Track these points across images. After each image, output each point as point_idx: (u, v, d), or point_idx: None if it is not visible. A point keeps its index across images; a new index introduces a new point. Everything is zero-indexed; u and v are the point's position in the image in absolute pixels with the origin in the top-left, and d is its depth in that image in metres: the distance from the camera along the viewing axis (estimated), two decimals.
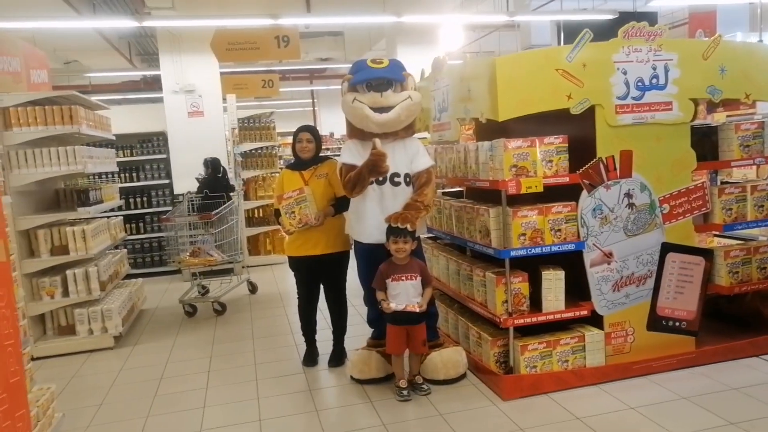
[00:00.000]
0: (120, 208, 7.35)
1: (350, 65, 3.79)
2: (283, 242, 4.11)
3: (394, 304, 3.39)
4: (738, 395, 3.22)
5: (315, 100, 19.79)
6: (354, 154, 3.67)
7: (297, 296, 4.23)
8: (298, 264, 4.12)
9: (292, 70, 15.35)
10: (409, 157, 3.67)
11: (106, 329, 4.80)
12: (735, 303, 4.09)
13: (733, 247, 3.83)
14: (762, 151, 3.81)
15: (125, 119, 7.95)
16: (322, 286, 4.18)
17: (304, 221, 3.90)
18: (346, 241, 4.08)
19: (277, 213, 4.05)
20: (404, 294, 3.44)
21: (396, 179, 3.62)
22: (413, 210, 3.53)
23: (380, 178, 3.60)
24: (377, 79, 3.58)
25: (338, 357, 4.14)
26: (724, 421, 2.94)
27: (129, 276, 6.12)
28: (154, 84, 13.52)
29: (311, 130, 4.09)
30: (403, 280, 3.45)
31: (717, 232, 4.77)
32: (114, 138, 6.15)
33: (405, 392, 3.45)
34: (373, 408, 3.38)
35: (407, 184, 3.65)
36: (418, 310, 3.40)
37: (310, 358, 4.18)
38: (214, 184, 6.66)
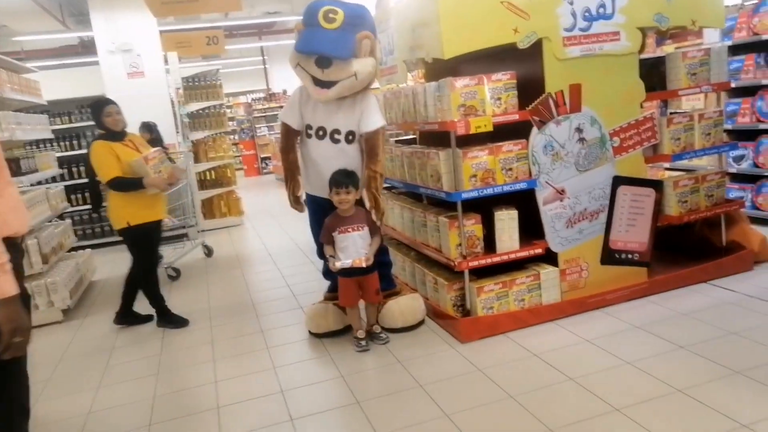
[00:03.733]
0: (62, 178, 7.04)
1: (299, 18, 3.45)
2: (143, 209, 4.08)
3: (340, 263, 3.29)
4: (688, 320, 3.29)
5: (265, 58, 19.13)
6: (294, 111, 3.50)
7: (144, 270, 4.20)
8: (149, 230, 4.08)
9: (238, 26, 14.72)
10: (357, 114, 3.40)
11: (53, 303, 4.60)
12: (684, 232, 4.15)
13: (681, 177, 3.85)
14: (708, 78, 3.80)
15: (60, 84, 7.51)
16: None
17: (176, 177, 4.13)
18: None
19: (118, 182, 3.89)
20: (352, 246, 3.34)
21: (336, 136, 3.41)
22: (374, 187, 3.40)
23: (320, 132, 3.44)
24: (319, 55, 3.24)
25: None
26: (674, 345, 3.00)
27: (77, 248, 5.89)
28: (92, 47, 12.79)
29: (116, 102, 4.11)
30: (349, 231, 3.35)
31: (667, 165, 4.83)
32: (46, 103, 5.80)
33: (363, 342, 3.41)
34: (331, 360, 3.33)
35: (348, 142, 3.42)
36: (364, 265, 3.30)
37: (181, 319, 4.25)
38: (160, 146, 6.37)
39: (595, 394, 2.63)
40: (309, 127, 3.46)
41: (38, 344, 4.26)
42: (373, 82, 3.50)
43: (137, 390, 3.29)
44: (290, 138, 3.56)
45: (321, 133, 3.44)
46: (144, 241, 4.10)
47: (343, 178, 3.31)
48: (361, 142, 3.45)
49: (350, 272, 3.36)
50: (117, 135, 4.03)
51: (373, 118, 3.41)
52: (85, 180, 7.47)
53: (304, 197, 3.69)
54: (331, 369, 3.22)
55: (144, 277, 4.21)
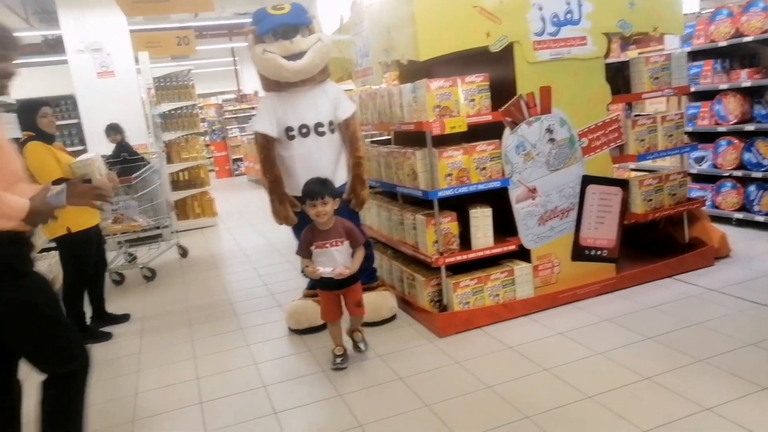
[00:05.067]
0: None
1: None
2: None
3: (322, 269, 3.02)
4: (654, 312, 3.45)
5: (236, 59, 19.02)
6: (269, 118, 3.52)
7: (72, 283, 3.99)
8: (89, 237, 3.99)
9: (209, 27, 14.61)
10: (332, 103, 3.59)
11: None
12: (650, 230, 4.34)
13: (646, 177, 4.03)
14: (670, 82, 3.98)
15: (27, 83, 7.33)
16: None
17: (116, 182, 4.10)
18: None
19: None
20: (330, 262, 3.06)
21: (320, 129, 3.54)
22: (359, 176, 3.55)
23: (303, 130, 3.51)
24: (283, 26, 3.44)
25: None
26: (642, 336, 3.15)
27: (48, 249, 5.79)
28: (57, 46, 12.51)
29: (50, 104, 3.99)
30: (327, 246, 3.06)
31: (633, 166, 5.03)
32: (14, 102, 5.69)
33: (339, 360, 3.19)
34: (312, 356, 3.39)
35: (332, 131, 3.58)
36: (347, 273, 3.05)
37: (103, 334, 4.13)
38: (131, 147, 6.34)
39: (568, 383, 2.75)
40: (290, 128, 3.51)
41: None
42: (329, 55, 3.65)
43: (119, 387, 3.29)
44: (271, 149, 3.55)
45: (305, 130, 3.51)
46: (81, 251, 3.95)
47: (318, 188, 3.04)
48: (341, 129, 3.58)
49: (331, 285, 3.11)
50: (49, 138, 3.88)
51: (347, 104, 3.63)
52: None
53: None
54: (312, 364, 3.28)
55: (71, 291, 4.00)
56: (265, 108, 3.58)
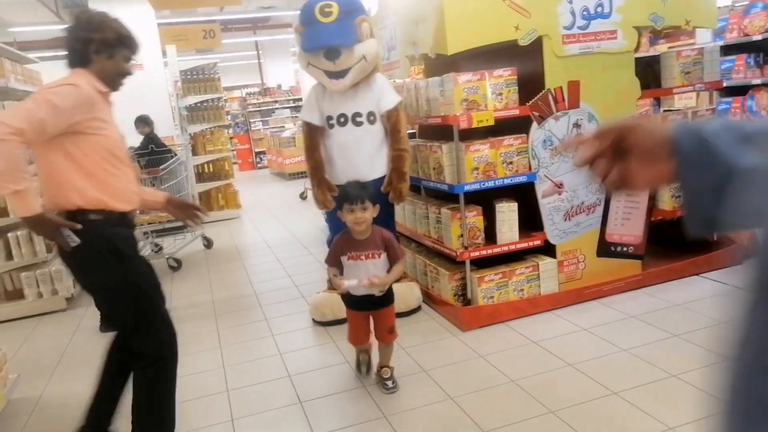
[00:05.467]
0: None
1: (294, 13, 3.61)
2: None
3: (347, 282, 2.62)
4: (680, 310, 3.41)
5: (260, 52, 19.13)
6: (312, 108, 3.62)
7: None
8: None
9: (234, 20, 14.71)
10: (376, 95, 3.56)
11: (57, 291, 4.64)
12: (677, 227, 4.27)
13: None
14: (701, 77, 3.92)
15: (57, 76, 7.50)
16: None
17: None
18: None
19: None
20: (364, 276, 2.66)
21: (358, 119, 3.55)
22: (397, 168, 3.52)
23: (341, 119, 3.54)
24: (327, 46, 3.39)
25: None
26: (668, 333, 3.12)
27: None
28: None
29: None
30: (362, 259, 2.67)
31: None
32: None
33: (364, 369, 3.03)
34: (336, 347, 3.42)
35: (371, 122, 3.56)
36: (377, 282, 2.62)
37: None
38: (159, 139, 6.44)
39: (593, 379, 2.74)
40: (330, 118, 3.57)
41: (42, 332, 4.33)
42: (378, 60, 3.62)
43: None
44: (314, 137, 3.64)
45: (342, 120, 3.54)
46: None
47: (356, 191, 2.65)
48: (384, 121, 3.58)
49: (360, 305, 2.78)
50: None
51: (390, 96, 3.60)
52: None
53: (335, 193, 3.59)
54: (337, 355, 3.31)
55: None
56: (310, 98, 3.67)
